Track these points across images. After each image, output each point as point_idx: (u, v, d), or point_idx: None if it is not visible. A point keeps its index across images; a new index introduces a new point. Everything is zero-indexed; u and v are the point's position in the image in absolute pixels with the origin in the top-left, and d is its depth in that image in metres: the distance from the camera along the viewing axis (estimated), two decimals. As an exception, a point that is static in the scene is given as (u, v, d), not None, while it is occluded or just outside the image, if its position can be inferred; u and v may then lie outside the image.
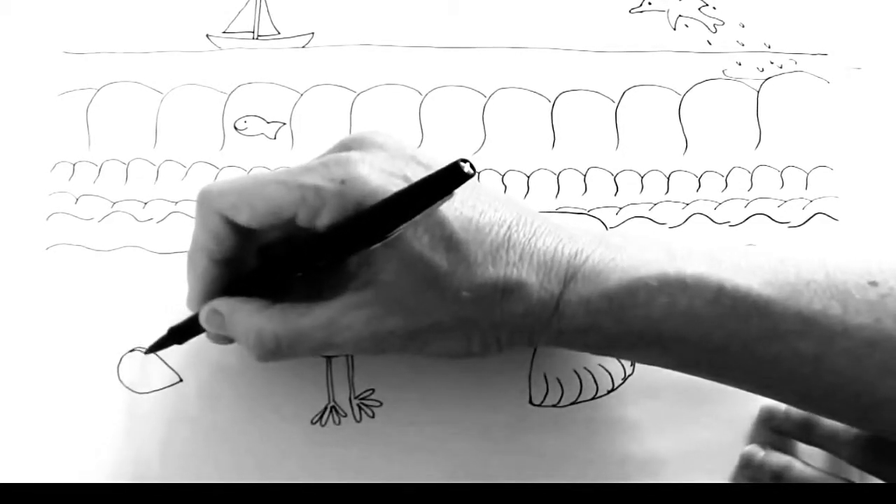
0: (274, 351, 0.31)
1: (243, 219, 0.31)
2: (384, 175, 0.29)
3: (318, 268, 0.31)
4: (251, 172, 0.31)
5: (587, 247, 0.31)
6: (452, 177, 0.27)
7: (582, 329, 0.31)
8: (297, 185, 0.30)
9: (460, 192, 0.27)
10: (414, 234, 0.29)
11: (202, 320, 0.33)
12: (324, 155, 0.32)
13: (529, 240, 0.31)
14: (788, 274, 0.30)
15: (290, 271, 0.31)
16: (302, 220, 0.30)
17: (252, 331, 0.31)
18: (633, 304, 0.30)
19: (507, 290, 0.30)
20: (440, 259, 0.30)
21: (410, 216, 0.28)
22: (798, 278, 0.30)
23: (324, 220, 0.29)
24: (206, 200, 0.31)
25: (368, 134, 0.32)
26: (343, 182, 0.29)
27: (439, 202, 0.28)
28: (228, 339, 0.33)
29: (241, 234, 0.32)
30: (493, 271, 0.30)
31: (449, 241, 0.30)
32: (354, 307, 0.30)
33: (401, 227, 0.29)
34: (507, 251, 0.30)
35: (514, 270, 0.30)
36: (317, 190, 0.29)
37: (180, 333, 0.34)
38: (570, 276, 0.31)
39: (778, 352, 0.29)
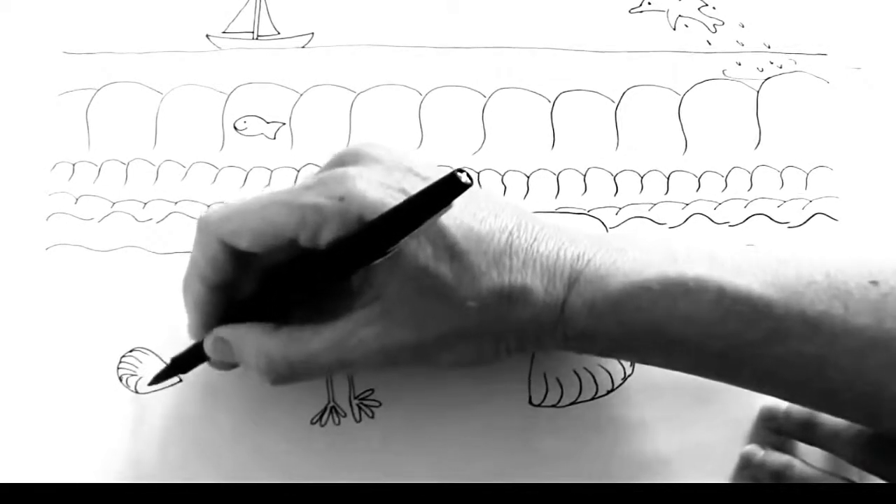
0: (287, 375, 0.31)
1: (244, 244, 0.31)
2: (382, 189, 0.29)
3: (321, 287, 0.31)
4: (248, 196, 0.31)
5: (588, 250, 0.31)
6: (450, 188, 0.27)
7: (588, 333, 0.31)
8: (296, 205, 0.30)
9: (459, 201, 0.27)
10: (416, 246, 0.29)
11: (208, 349, 0.33)
12: (320, 171, 0.32)
13: (531, 245, 0.31)
14: (789, 275, 0.30)
15: (294, 292, 0.31)
16: (304, 239, 0.30)
17: (262, 357, 0.31)
18: (635, 308, 0.30)
19: (513, 297, 0.30)
20: (444, 270, 0.30)
21: (410, 229, 0.28)
22: (799, 279, 0.30)
23: (325, 238, 0.29)
24: (206, 228, 0.31)
25: (363, 147, 0.32)
26: (342, 199, 0.29)
27: (438, 213, 0.28)
28: (233, 365, 0.34)
29: (240, 260, 0.31)
30: (498, 279, 0.30)
31: (451, 251, 0.30)
32: (363, 324, 0.30)
33: (401, 241, 0.28)
34: (510, 258, 0.30)
35: (519, 277, 0.30)
36: (316, 208, 0.29)
37: (183, 364, 0.34)
38: (574, 280, 0.31)
39: (781, 353, 0.29)
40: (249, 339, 0.31)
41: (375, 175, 0.30)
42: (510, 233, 0.31)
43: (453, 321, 0.30)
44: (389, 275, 0.30)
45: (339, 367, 0.31)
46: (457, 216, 0.30)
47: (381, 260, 0.29)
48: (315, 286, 0.31)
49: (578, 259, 0.31)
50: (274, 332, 0.31)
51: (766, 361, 0.30)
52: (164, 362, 0.36)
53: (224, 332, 0.32)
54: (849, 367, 0.29)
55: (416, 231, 0.28)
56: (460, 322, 0.30)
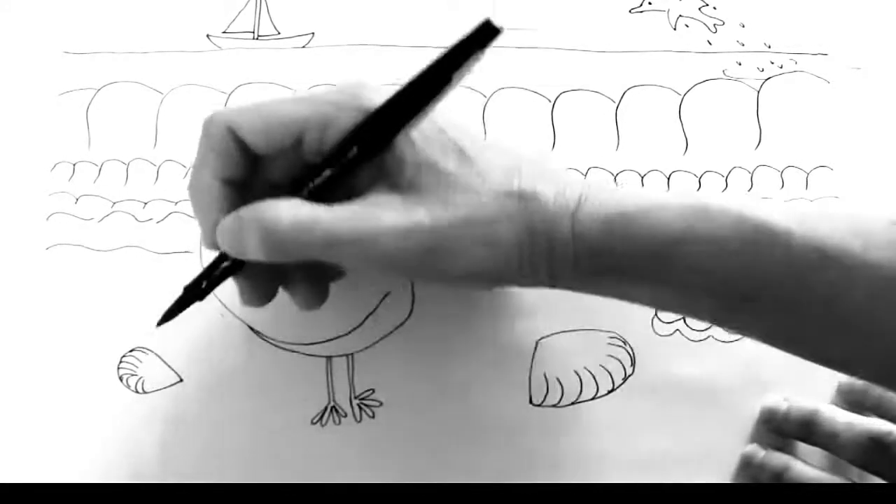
0: (287, 240, 0.29)
1: (252, 136, 0.30)
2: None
3: (338, 176, 0.30)
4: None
5: (600, 180, 0.32)
6: (485, 33, 0.27)
7: (597, 250, 0.30)
8: (311, 99, 0.30)
9: (471, 129, 0.28)
10: (425, 141, 0.30)
11: (220, 234, 0.30)
12: None
13: (542, 164, 0.31)
14: (811, 212, 0.30)
15: (310, 179, 0.30)
16: (312, 137, 0.30)
17: (267, 215, 0.29)
18: (651, 224, 0.29)
19: (524, 197, 0.30)
20: (454, 167, 0.30)
21: (448, 77, 0.29)
22: (820, 216, 0.30)
23: (337, 131, 0.30)
24: (214, 118, 0.31)
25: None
26: (357, 96, 0.30)
27: (469, 61, 0.28)
28: (268, 298, 0.32)
29: (248, 157, 0.31)
30: (507, 180, 0.30)
31: (460, 154, 0.30)
32: (376, 204, 0.30)
33: (436, 99, 0.29)
34: (520, 169, 0.31)
35: (529, 182, 0.30)
36: (331, 101, 0.30)
37: (197, 289, 0.32)
38: (584, 196, 0.30)
39: (794, 285, 0.29)
40: (259, 209, 0.30)
41: (387, 88, 0.30)
42: (520, 155, 0.31)
43: (467, 208, 0.30)
44: (400, 167, 0.30)
45: (343, 245, 0.29)
46: (470, 131, 0.31)
47: (400, 135, 0.29)
48: (332, 174, 0.30)
49: (590, 184, 0.31)
50: (286, 197, 0.30)
51: (778, 292, 0.29)
52: (165, 363, 0.36)
53: (242, 210, 0.30)
54: (862, 301, 0.29)
55: (449, 85, 0.29)
56: (474, 209, 0.30)
